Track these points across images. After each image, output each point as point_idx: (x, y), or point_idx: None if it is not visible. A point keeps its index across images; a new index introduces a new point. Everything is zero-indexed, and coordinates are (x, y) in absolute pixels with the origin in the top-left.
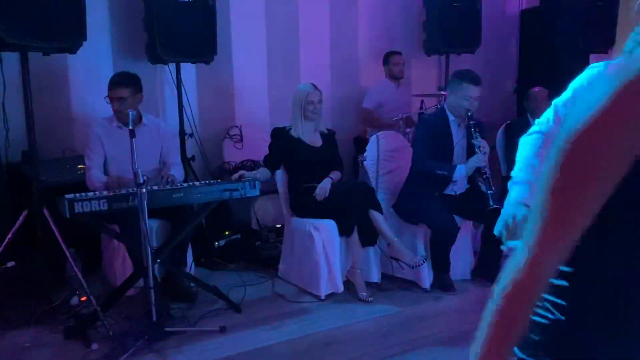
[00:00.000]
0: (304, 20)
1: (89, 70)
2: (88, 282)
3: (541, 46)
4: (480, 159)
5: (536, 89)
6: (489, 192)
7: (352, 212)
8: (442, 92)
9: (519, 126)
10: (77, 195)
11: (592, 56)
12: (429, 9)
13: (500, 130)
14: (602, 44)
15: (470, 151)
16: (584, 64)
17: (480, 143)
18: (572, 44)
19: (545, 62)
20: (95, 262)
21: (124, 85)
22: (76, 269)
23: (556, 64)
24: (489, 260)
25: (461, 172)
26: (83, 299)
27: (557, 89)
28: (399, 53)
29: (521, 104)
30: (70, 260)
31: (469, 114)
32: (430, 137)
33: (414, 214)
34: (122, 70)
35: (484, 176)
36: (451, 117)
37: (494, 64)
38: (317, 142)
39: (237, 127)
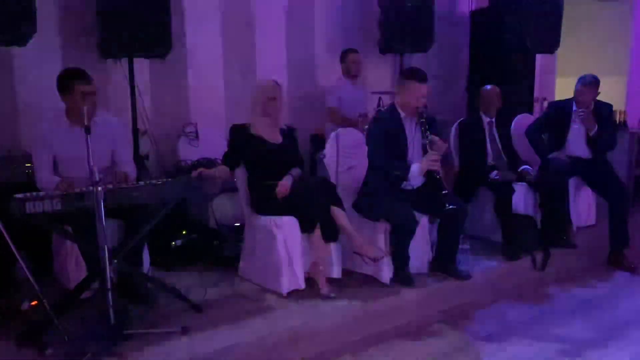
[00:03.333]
0: (261, 16)
1: (36, 64)
2: (39, 286)
3: (491, 46)
4: (430, 159)
5: (488, 87)
6: (443, 192)
7: (314, 208)
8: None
9: (472, 123)
10: (29, 194)
11: (538, 56)
12: (384, 9)
13: (454, 127)
14: (548, 45)
15: (425, 148)
16: (531, 63)
17: (432, 139)
18: (520, 44)
19: (495, 61)
20: (45, 265)
21: (92, 79)
22: (28, 272)
23: (505, 63)
24: (445, 254)
25: (414, 171)
26: (34, 303)
27: (506, 87)
28: (356, 51)
29: (472, 102)
30: (22, 262)
31: (419, 111)
32: (384, 135)
33: (374, 210)
34: (72, 65)
35: (437, 176)
36: (402, 114)
37: (446, 63)
38: (277, 138)
39: (192, 124)
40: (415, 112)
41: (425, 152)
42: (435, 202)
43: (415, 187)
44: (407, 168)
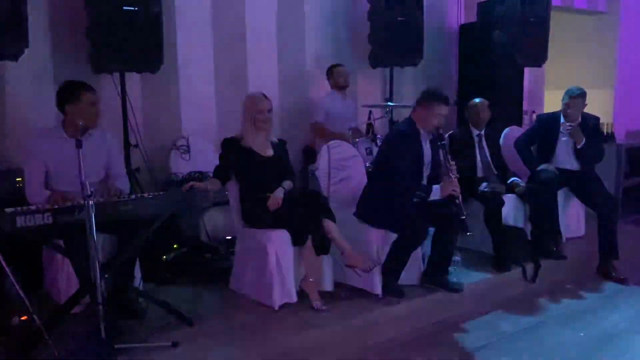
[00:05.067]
0: (252, 31)
1: (27, 79)
2: (29, 301)
3: (479, 59)
4: (451, 185)
5: (477, 100)
6: (462, 217)
7: (306, 221)
8: (388, 103)
9: (461, 136)
10: (19, 208)
11: (526, 69)
12: (374, 23)
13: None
14: (536, 58)
15: (434, 167)
16: (519, 76)
17: (452, 165)
18: (508, 58)
19: (484, 75)
20: (35, 279)
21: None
22: (17, 287)
23: (493, 77)
24: (437, 266)
25: (435, 194)
26: (24, 318)
27: (495, 101)
28: (341, 65)
29: (462, 115)
30: (11, 277)
31: (439, 132)
32: (409, 152)
33: (378, 217)
34: (65, 79)
35: (457, 202)
36: (422, 131)
37: (436, 76)
38: (269, 151)
39: (184, 137)
40: (434, 131)
41: (437, 166)
42: (433, 212)
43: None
44: (429, 190)
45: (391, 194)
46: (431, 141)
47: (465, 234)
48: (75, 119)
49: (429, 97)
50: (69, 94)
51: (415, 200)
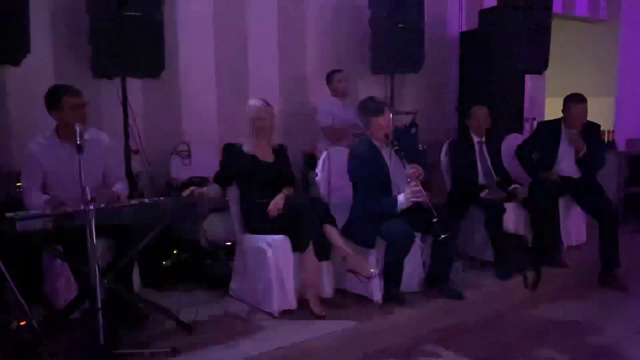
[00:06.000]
0: (253, 37)
1: (28, 83)
2: (28, 306)
3: (480, 66)
4: (413, 192)
5: (478, 107)
6: (433, 220)
7: (307, 227)
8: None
9: (462, 143)
10: (20, 213)
11: (527, 77)
12: (375, 29)
13: (444, 147)
14: (537, 65)
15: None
16: (520, 84)
17: (407, 173)
18: (509, 65)
19: (484, 82)
20: (35, 284)
21: (81, 93)
22: (17, 291)
23: (494, 84)
24: (438, 273)
25: (402, 203)
26: (22, 323)
27: (496, 108)
28: (341, 70)
29: (462, 121)
30: (11, 282)
31: (390, 139)
32: (367, 169)
33: (366, 238)
34: (66, 84)
35: (425, 207)
36: (378, 144)
37: (436, 83)
38: (270, 157)
39: (185, 143)
40: (386, 140)
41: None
42: (427, 220)
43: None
44: (395, 203)
45: (366, 212)
46: (396, 152)
47: (438, 237)
48: (62, 124)
49: (365, 113)
50: (52, 99)
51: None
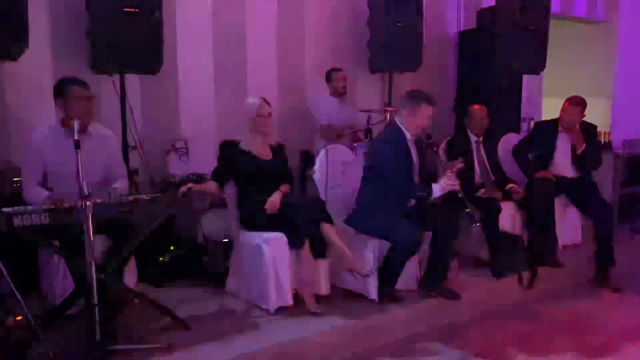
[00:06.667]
0: (252, 34)
1: (27, 79)
2: (24, 301)
3: (478, 66)
4: (450, 181)
5: (476, 106)
6: (467, 210)
7: (304, 224)
8: (388, 108)
9: (460, 142)
10: (16, 208)
11: (525, 77)
12: (373, 28)
13: (442, 145)
14: (535, 65)
15: (423, 169)
16: (518, 83)
17: (448, 163)
18: (507, 65)
19: (482, 81)
20: (31, 279)
21: (89, 86)
22: (13, 286)
23: (492, 83)
24: (434, 272)
25: (436, 192)
26: (18, 318)
27: (493, 107)
28: (340, 69)
29: (459, 120)
30: (7, 277)
31: (428, 132)
32: (401, 156)
33: (371, 226)
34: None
35: (459, 196)
36: (408, 136)
37: (434, 82)
38: (267, 155)
39: (182, 140)
40: (422, 132)
41: (425, 172)
42: (430, 217)
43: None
44: (430, 189)
45: (384, 203)
46: (416, 143)
47: (474, 225)
48: (69, 115)
49: (415, 99)
50: (59, 88)
51: (412, 203)
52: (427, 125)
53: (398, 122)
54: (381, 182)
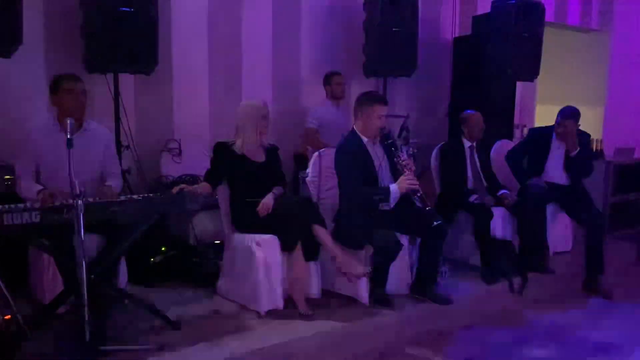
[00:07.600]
0: (247, 36)
1: (20, 77)
2: (13, 300)
3: (472, 72)
4: (408, 179)
5: (471, 112)
6: (427, 208)
7: (296, 227)
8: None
9: (453, 148)
10: (7, 206)
11: (518, 83)
12: (369, 33)
13: (435, 151)
14: (529, 73)
15: (394, 169)
16: (511, 90)
17: (404, 160)
18: (501, 72)
19: (476, 87)
20: (20, 278)
21: (81, 80)
22: (2, 285)
23: (486, 90)
24: (425, 277)
25: (395, 192)
26: (7, 317)
27: (486, 113)
28: (339, 73)
29: (453, 126)
30: None
31: (384, 132)
32: (354, 163)
33: (354, 239)
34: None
35: (418, 194)
36: (365, 139)
37: (429, 87)
38: (261, 157)
39: (176, 140)
40: (378, 134)
41: (397, 172)
42: (415, 221)
43: (392, 206)
44: (387, 191)
45: (356, 213)
46: (381, 143)
47: (432, 225)
48: (62, 110)
49: (366, 101)
50: (53, 84)
51: (381, 208)
52: (383, 125)
53: (354, 128)
54: (344, 191)
